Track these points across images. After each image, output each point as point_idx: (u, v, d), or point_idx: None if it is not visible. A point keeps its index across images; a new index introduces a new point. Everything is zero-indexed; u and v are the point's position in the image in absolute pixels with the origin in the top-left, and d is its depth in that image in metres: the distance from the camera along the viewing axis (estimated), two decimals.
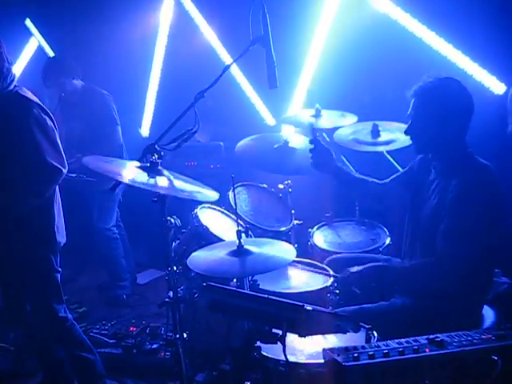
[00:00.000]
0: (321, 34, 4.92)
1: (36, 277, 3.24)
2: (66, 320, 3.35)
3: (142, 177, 2.63)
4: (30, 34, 6.18)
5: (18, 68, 6.03)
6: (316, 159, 3.21)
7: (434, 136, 2.77)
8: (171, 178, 2.71)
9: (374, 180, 3.28)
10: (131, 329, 4.21)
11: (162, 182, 2.64)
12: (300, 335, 2.09)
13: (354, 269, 2.91)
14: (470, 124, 2.77)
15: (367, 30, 4.46)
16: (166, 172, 2.71)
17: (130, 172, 2.69)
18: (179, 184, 2.74)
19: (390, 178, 3.26)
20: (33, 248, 3.18)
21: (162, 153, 2.82)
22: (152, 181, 2.60)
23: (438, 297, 2.72)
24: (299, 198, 4.01)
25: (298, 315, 2.02)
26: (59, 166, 3.05)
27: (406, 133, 2.89)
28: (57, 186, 3.24)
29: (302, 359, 2.39)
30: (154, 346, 3.96)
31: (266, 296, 2.10)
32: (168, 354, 3.82)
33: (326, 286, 3.03)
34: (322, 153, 3.20)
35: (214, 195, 2.87)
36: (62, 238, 3.28)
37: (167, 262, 2.86)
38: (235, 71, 5.31)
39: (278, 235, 3.43)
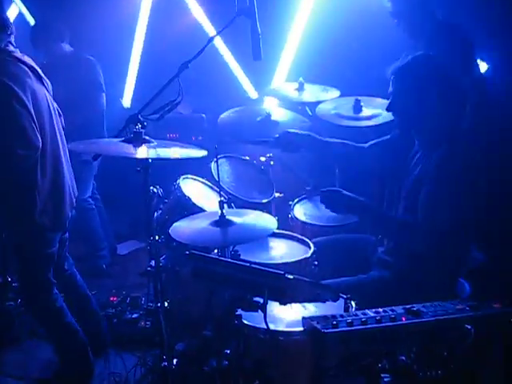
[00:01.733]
0: (305, 7, 4.91)
1: (20, 254, 3.30)
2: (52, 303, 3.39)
3: (128, 147, 2.63)
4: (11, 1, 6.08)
5: None
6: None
7: (415, 111, 2.82)
8: (156, 144, 2.71)
9: (350, 142, 3.33)
10: (111, 298, 4.24)
11: (148, 150, 2.64)
12: (281, 303, 2.14)
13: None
14: (456, 98, 2.82)
15: (352, 3, 4.46)
16: (150, 140, 2.71)
17: (117, 145, 2.69)
18: (166, 150, 2.74)
19: (369, 143, 3.31)
20: (13, 226, 3.25)
21: (145, 123, 2.83)
22: (137, 150, 2.60)
23: (413, 261, 2.79)
24: (280, 170, 4.05)
25: (280, 283, 2.07)
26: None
27: (388, 110, 2.95)
28: (49, 168, 3.19)
29: (281, 327, 2.44)
30: (135, 315, 3.99)
31: (249, 264, 2.14)
32: (148, 323, 3.85)
33: (306, 258, 3.07)
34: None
35: (201, 153, 2.87)
36: (48, 219, 3.22)
37: (149, 232, 2.88)
38: (218, 43, 5.30)
39: (259, 207, 3.46)
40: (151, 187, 2.84)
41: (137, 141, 2.69)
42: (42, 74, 3.31)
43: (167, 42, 5.53)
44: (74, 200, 3.46)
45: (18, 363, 3.76)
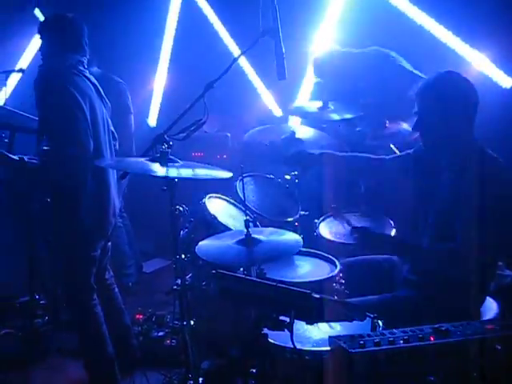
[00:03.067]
0: (329, 26, 4.94)
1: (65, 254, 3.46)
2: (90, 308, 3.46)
3: (155, 166, 2.66)
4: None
5: (26, 59, 6.06)
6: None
7: (440, 131, 2.80)
8: (182, 164, 2.74)
9: (369, 155, 3.32)
10: (137, 316, 4.26)
11: (173, 169, 2.67)
12: (307, 322, 2.14)
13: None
14: (477, 116, 2.80)
15: (376, 22, 4.48)
16: (176, 160, 2.73)
17: (143, 164, 2.73)
18: (192, 170, 2.76)
19: (390, 156, 3.29)
20: (61, 226, 3.41)
21: (171, 142, 2.86)
22: (164, 169, 2.63)
23: (444, 285, 2.75)
24: (306, 188, 4.04)
25: (306, 302, 2.07)
26: None
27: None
28: (98, 176, 3.35)
29: (308, 346, 2.43)
30: (160, 333, 4.01)
31: (275, 283, 2.14)
32: (174, 341, 3.87)
33: (332, 276, 3.06)
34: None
35: (227, 174, 2.88)
36: (93, 222, 3.36)
37: (175, 250, 2.90)
38: (243, 62, 5.35)
39: (284, 226, 3.46)
40: (177, 206, 2.86)
41: (163, 160, 2.71)
42: (103, 95, 3.54)
43: (192, 61, 5.60)
44: (117, 212, 3.59)
45: (45, 380, 3.81)
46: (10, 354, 4.01)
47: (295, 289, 2.12)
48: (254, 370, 2.59)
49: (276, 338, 2.42)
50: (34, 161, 3.36)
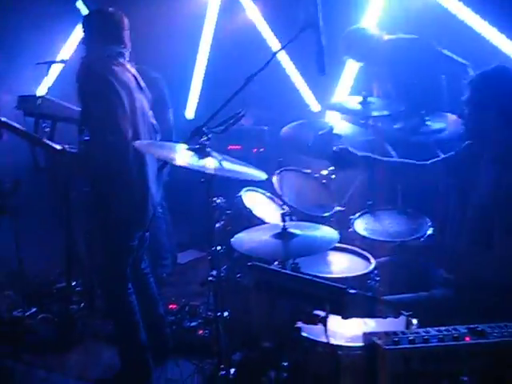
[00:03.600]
0: (369, 20, 4.90)
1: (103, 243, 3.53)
2: (125, 297, 3.52)
3: (192, 158, 2.68)
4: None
5: (68, 50, 6.16)
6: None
7: (491, 123, 2.79)
8: (220, 159, 2.75)
9: (410, 161, 3.29)
10: (171, 306, 4.32)
11: (211, 163, 2.69)
12: (342, 317, 2.14)
13: None
14: None
15: (418, 18, 4.43)
16: (214, 153, 2.75)
17: (181, 154, 2.75)
18: (228, 165, 2.78)
19: (432, 160, 3.26)
20: (101, 213, 3.47)
21: (210, 135, 2.88)
22: (202, 162, 2.65)
23: (481, 286, 2.72)
24: (342, 184, 4.03)
25: (342, 297, 2.07)
26: None
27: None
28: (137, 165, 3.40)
29: (341, 342, 2.42)
30: (193, 323, 4.06)
31: (311, 277, 2.15)
32: (206, 332, 3.90)
33: (367, 273, 3.04)
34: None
35: (262, 175, 2.89)
36: (132, 211, 3.42)
37: (211, 242, 2.92)
38: (281, 55, 5.34)
39: (320, 221, 3.45)
40: (214, 198, 2.88)
41: (202, 153, 2.73)
42: (144, 86, 3.59)
43: (230, 55, 5.62)
44: (156, 202, 3.64)
45: (80, 364, 3.89)
46: (47, 338, 4.10)
47: (331, 283, 2.13)
48: (286, 364, 2.60)
49: (309, 331, 2.43)
50: (75, 150, 3.43)
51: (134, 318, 3.54)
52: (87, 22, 3.56)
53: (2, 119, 3.31)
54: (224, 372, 2.95)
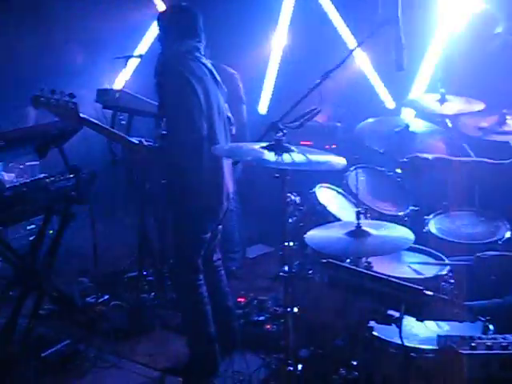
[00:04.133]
0: (450, 15, 4.77)
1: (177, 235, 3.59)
2: (196, 288, 3.57)
3: (268, 154, 2.68)
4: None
5: (145, 45, 6.30)
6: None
7: None
8: (296, 152, 2.74)
9: (487, 160, 3.18)
10: (239, 300, 4.35)
11: (287, 158, 2.68)
12: (417, 319, 2.11)
13: None
14: None
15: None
16: (291, 148, 2.74)
17: (258, 152, 2.75)
18: (305, 158, 2.75)
19: (510, 160, 3.14)
20: (175, 206, 3.54)
21: (285, 131, 2.87)
22: (278, 158, 2.64)
23: None
24: (417, 183, 3.94)
25: (418, 299, 2.03)
26: None
27: None
28: (212, 159, 3.43)
29: (414, 343, 2.38)
30: (261, 318, 4.08)
31: (386, 277, 2.11)
32: (274, 326, 3.91)
33: (441, 275, 2.97)
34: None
35: (341, 161, 2.82)
36: (206, 204, 3.48)
37: (283, 238, 2.91)
38: (357, 51, 5.24)
39: (393, 220, 3.40)
40: (288, 194, 2.88)
41: (278, 148, 2.73)
42: (220, 80, 3.63)
43: (304, 51, 5.59)
44: (230, 196, 3.68)
45: (148, 352, 3.98)
46: (118, 325, 4.21)
47: (407, 284, 2.09)
48: (355, 363, 2.58)
49: (381, 331, 2.40)
50: (151, 144, 3.50)
51: (203, 309, 3.59)
52: (163, 18, 3.63)
53: (82, 116, 3.40)
54: (291, 368, 2.94)
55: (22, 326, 3.86)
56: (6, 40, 5.89)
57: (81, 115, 3.40)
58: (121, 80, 5.20)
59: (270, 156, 2.62)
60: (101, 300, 4.49)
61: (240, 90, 4.97)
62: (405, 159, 3.24)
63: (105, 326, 4.17)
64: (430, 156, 3.18)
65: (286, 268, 2.78)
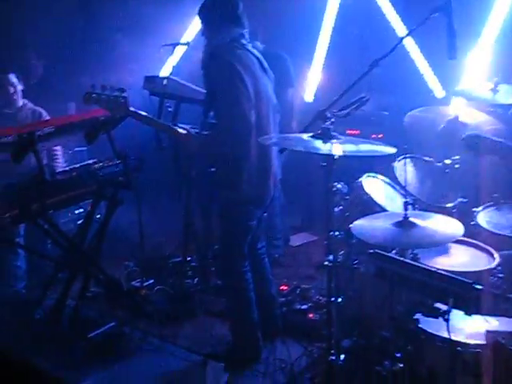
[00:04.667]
0: (503, 3, 4.64)
1: (223, 221, 3.61)
2: (242, 274, 3.60)
3: (316, 143, 2.66)
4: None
5: (192, 32, 6.31)
6: None
7: None
8: (344, 141, 2.71)
9: None
10: (282, 288, 4.35)
11: (336, 147, 2.66)
12: (466, 313, 2.07)
13: None
14: None
15: None
16: (338, 136, 2.71)
17: (306, 140, 2.73)
18: (355, 146, 2.72)
19: None
20: (223, 194, 3.55)
21: (333, 119, 2.85)
22: (326, 146, 2.62)
23: None
24: (466, 175, 3.86)
25: (467, 292, 2.00)
26: None
27: None
28: (260, 147, 3.43)
29: (461, 338, 2.34)
30: (304, 306, 4.07)
31: (435, 269, 2.08)
32: (317, 315, 3.91)
33: (489, 269, 2.91)
34: None
35: (391, 150, 2.75)
36: (252, 192, 3.47)
37: (328, 227, 2.90)
38: (406, 39, 5.15)
39: (441, 211, 3.34)
40: (334, 183, 2.85)
41: (325, 137, 2.70)
42: (267, 67, 3.62)
43: (352, 38, 5.52)
44: (277, 183, 3.67)
45: (192, 337, 4.02)
46: (162, 309, 4.26)
47: (456, 277, 2.05)
48: (399, 354, 2.55)
49: (427, 324, 2.37)
50: (198, 131, 3.51)
51: (248, 295, 3.61)
52: (204, 9, 3.59)
53: (132, 109, 3.45)
54: (333, 357, 2.93)
55: (69, 308, 3.98)
56: (59, 34, 6.01)
57: (131, 109, 3.45)
58: (168, 67, 5.23)
59: (318, 144, 2.60)
60: (146, 284, 4.55)
61: (290, 72, 4.96)
62: (467, 133, 3.17)
63: (149, 310, 4.23)
64: (496, 139, 3.12)
65: (331, 257, 2.77)
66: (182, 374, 3.61)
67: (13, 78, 4.59)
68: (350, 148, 2.59)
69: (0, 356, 2.05)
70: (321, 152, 2.53)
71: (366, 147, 2.71)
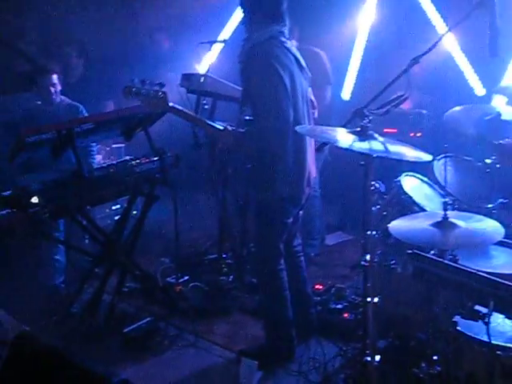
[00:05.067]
0: None
1: (259, 219, 3.59)
2: (277, 272, 3.58)
3: (354, 141, 2.63)
4: None
5: (229, 30, 6.33)
6: None
7: None
8: (382, 141, 2.67)
9: None
10: (317, 287, 4.32)
11: (373, 145, 2.62)
12: (507, 317, 2.02)
13: None
14: None
15: None
16: (376, 136, 2.68)
17: (342, 137, 2.71)
18: (391, 147, 2.69)
19: None
20: (258, 192, 3.55)
21: (371, 117, 2.81)
22: (364, 144, 2.59)
23: None
24: (507, 174, 3.77)
25: (509, 295, 1.95)
26: None
27: None
28: (295, 144, 3.42)
29: (500, 341, 2.29)
30: (339, 306, 4.03)
31: (475, 271, 2.04)
32: (352, 315, 3.87)
33: None
34: None
35: (427, 157, 2.73)
36: (288, 190, 3.45)
37: (365, 226, 2.86)
38: (446, 36, 5.06)
39: (481, 212, 3.27)
40: (372, 182, 2.82)
41: (363, 135, 2.67)
42: (304, 65, 3.60)
43: (390, 35, 5.45)
44: (312, 181, 3.65)
45: (226, 334, 4.03)
46: (197, 306, 4.29)
47: (497, 279, 2.00)
48: (437, 357, 2.51)
49: (466, 327, 2.32)
50: (235, 129, 3.51)
51: (283, 293, 3.60)
52: (246, 3, 3.59)
53: (171, 104, 3.47)
54: (368, 358, 2.90)
55: (105, 302, 4.04)
56: (99, 33, 6.09)
57: (170, 104, 3.46)
58: (205, 65, 5.25)
59: (355, 142, 2.57)
60: (181, 280, 4.57)
61: (327, 69, 4.92)
62: (500, 141, 3.10)
63: (184, 306, 4.26)
64: None
65: (368, 257, 2.73)
66: (215, 371, 3.64)
67: (55, 78, 4.67)
68: (389, 146, 2.55)
69: (36, 349, 2.08)
70: (358, 150, 2.49)
71: (402, 149, 2.66)
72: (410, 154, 2.66)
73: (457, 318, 2.24)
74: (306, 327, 3.81)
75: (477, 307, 2.09)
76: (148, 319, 4.02)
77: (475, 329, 2.28)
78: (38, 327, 3.64)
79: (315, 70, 4.69)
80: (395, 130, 5.05)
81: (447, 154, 3.67)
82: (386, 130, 5.13)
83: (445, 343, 2.45)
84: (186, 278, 4.66)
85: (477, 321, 2.10)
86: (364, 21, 5.70)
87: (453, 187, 3.47)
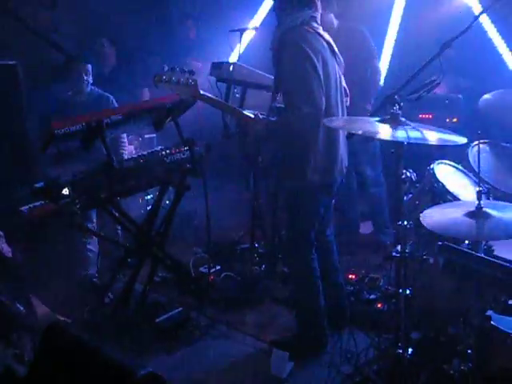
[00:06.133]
0: None
1: (290, 208, 3.56)
2: (309, 262, 3.55)
3: (384, 128, 2.56)
4: None
5: (259, 18, 6.28)
6: None
7: None
8: (414, 127, 2.59)
9: None
10: (350, 276, 4.27)
11: (404, 132, 2.55)
12: None
13: None
14: None
15: None
16: (408, 122, 2.59)
17: (373, 125, 2.64)
18: (424, 133, 2.60)
19: None
20: (289, 181, 3.52)
21: (402, 104, 2.74)
22: (395, 132, 2.52)
23: None
24: None
25: None
26: None
27: None
28: (327, 132, 3.38)
29: None
30: (372, 296, 3.99)
31: (510, 264, 1.96)
32: (385, 306, 3.80)
33: None
34: None
35: (461, 139, 2.64)
36: (319, 178, 3.41)
37: (397, 216, 2.80)
38: (483, 18, 4.92)
39: None
40: (404, 170, 2.75)
41: (394, 122, 2.60)
42: (337, 51, 3.54)
43: (423, 19, 5.31)
44: (344, 169, 3.60)
45: (257, 324, 4.02)
46: (229, 296, 4.29)
47: None
48: (470, 351, 2.43)
49: (500, 322, 2.24)
50: (266, 117, 3.47)
51: (315, 283, 3.57)
52: None
53: (202, 92, 3.44)
54: (401, 350, 2.84)
55: (137, 292, 4.06)
56: (131, 23, 6.11)
57: (201, 91, 3.44)
58: (235, 53, 5.20)
59: (385, 130, 2.50)
60: (213, 270, 4.57)
61: (371, 44, 4.86)
62: None
63: (216, 296, 4.26)
64: None
65: (399, 248, 2.67)
66: (246, 361, 3.62)
67: (89, 68, 4.70)
68: (419, 135, 2.47)
69: (66, 341, 2.09)
70: (389, 138, 2.42)
71: (436, 135, 2.57)
72: (441, 138, 2.56)
73: (490, 313, 2.16)
74: (339, 317, 3.77)
75: (511, 301, 2.01)
76: (180, 309, 4.03)
77: (509, 323, 2.19)
78: (71, 317, 3.69)
79: (359, 46, 4.59)
80: (431, 116, 4.94)
81: (483, 141, 3.56)
82: (421, 116, 5.03)
83: (478, 338, 2.37)
84: (218, 267, 4.66)
85: (511, 316, 2.02)
86: (397, 4, 5.56)
87: (489, 175, 3.36)
